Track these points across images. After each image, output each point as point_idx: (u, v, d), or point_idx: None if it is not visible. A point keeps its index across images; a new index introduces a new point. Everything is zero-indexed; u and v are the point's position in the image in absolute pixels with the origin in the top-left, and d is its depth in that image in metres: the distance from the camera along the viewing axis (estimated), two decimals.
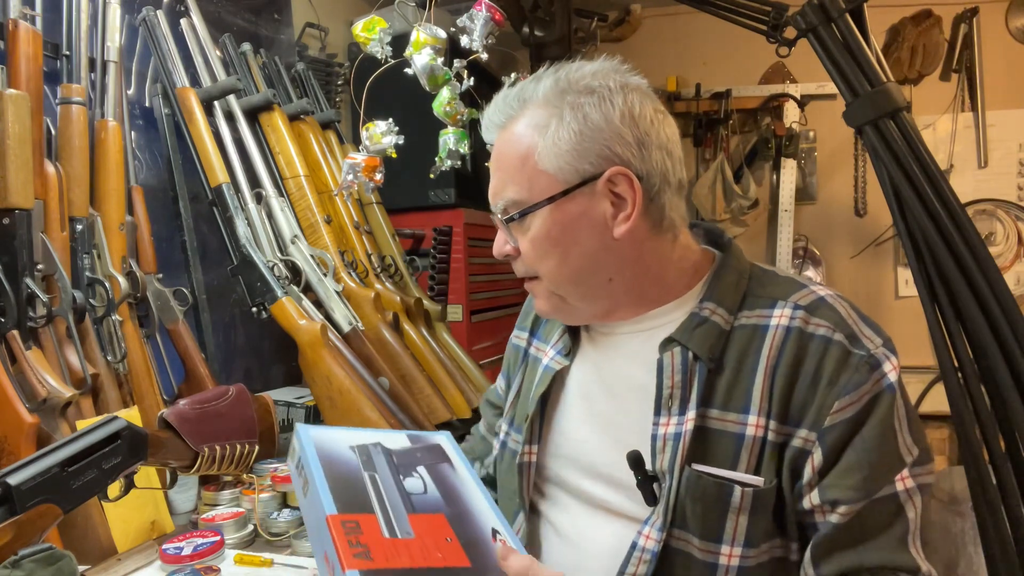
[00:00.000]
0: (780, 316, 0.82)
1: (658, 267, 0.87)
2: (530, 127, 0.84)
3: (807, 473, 0.79)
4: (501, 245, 0.89)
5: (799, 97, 3.03)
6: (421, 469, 0.84)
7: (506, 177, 0.86)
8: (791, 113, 3.05)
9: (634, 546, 0.82)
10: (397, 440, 0.89)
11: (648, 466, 0.82)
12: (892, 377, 0.78)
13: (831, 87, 2.45)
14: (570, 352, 0.96)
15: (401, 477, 0.81)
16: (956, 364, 1.64)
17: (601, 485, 0.88)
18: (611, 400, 0.90)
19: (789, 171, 3.06)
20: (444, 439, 0.92)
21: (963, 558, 2.71)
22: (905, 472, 0.78)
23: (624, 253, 0.85)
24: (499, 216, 0.87)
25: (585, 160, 0.82)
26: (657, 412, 0.83)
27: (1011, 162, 2.99)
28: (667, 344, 0.84)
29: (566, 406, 0.94)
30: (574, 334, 0.97)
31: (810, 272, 3.17)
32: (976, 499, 1.61)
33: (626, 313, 0.89)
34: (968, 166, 3.01)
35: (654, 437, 0.83)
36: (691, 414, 0.81)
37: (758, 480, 0.79)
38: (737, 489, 0.79)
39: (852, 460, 0.77)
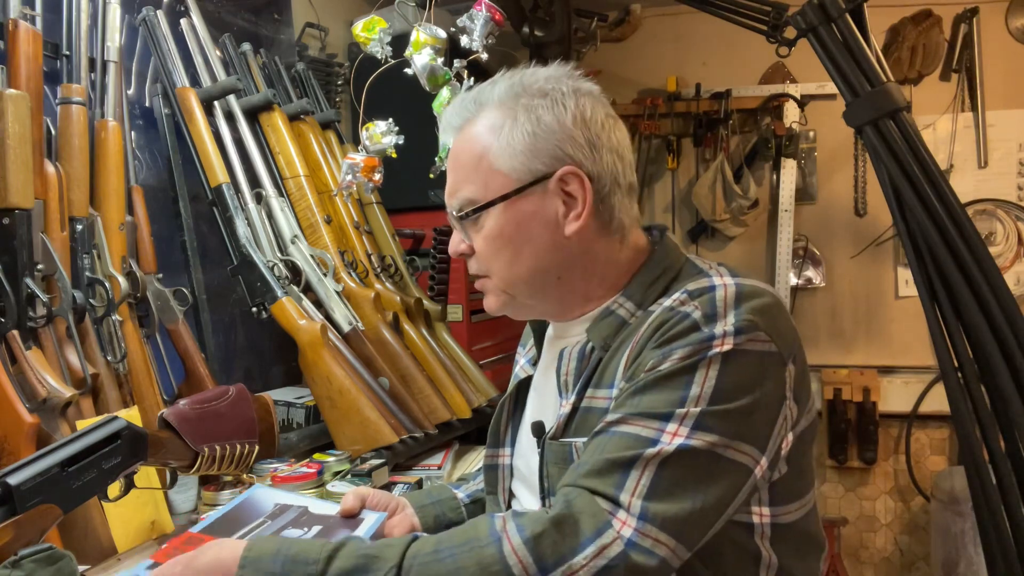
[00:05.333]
0: (669, 300, 0.83)
1: (604, 267, 0.90)
2: (485, 128, 0.87)
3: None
4: (457, 244, 0.93)
5: (799, 97, 3.03)
6: (316, 527, 0.93)
7: (461, 177, 0.89)
8: (791, 113, 3.04)
9: None
10: (325, 508, 0.99)
11: None
12: (715, 350, 0.76)
13: (831, 87, 2.45)
14: (537, 362, 1.00)
15: (288, 525, 0.93)
16: (956, 364, 1.64)
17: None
18: (548, 398, 0.94)
19: (789, 171, 3.05)
20: (375, 517, 0.97)
21: (963, 558, 2.71)
22: (670, 426, 0.75)
23: (573, 252, 0.88)
24: (454, 215, 0.90)
25: (538, 160, 0.85)
26: (559, 395, 0.90)
27: (1011, 162, 2.98)
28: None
29: (527, 411, 0.99)
30: (540, 344, 1.01)
31: (810, 272, 3.17)
32: (976, 499, 1.61)
33: (573, 312, 0.92)
34: (968, 166, 3.01)
35: (558, 416, 0.88)
36: (572, 397, 0.86)
37: None
38: (573, 444, 0.84)
39: (631, 392, 0.78)
